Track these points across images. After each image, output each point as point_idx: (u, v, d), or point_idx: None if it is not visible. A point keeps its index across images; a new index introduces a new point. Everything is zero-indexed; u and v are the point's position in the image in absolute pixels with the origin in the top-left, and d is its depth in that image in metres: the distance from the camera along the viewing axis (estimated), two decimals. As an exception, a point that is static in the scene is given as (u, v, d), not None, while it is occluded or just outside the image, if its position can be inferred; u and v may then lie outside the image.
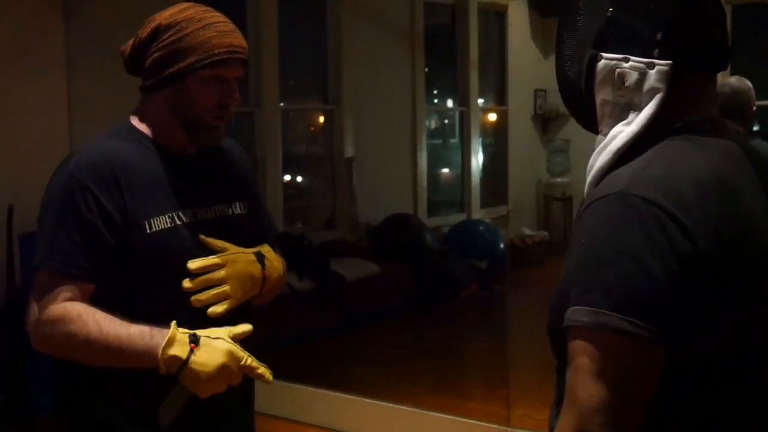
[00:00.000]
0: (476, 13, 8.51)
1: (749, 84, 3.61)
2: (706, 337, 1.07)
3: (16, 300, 4.61)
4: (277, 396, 4.61)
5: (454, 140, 9.04)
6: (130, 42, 1.81)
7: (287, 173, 7.00)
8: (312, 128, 7.67)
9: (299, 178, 7.52)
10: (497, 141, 9.42)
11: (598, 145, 1.21)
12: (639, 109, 1.17)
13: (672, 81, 1.16)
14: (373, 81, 7.33)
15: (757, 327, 1.12)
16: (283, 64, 6.61)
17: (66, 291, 1.67)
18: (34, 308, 1.69)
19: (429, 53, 8.05)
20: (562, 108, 6.98)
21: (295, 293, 5.92)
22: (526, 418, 4.15)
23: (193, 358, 1.59)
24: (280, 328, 5.65)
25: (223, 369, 1.61)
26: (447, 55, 8.67)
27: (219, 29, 1.75)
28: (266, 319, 5.87)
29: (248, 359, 1.66)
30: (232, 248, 1.80)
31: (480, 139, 8.82)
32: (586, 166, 1.23)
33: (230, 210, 1.88)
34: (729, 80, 3.71)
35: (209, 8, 1.81)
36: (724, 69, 1.24)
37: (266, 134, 6.53)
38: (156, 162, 1.77)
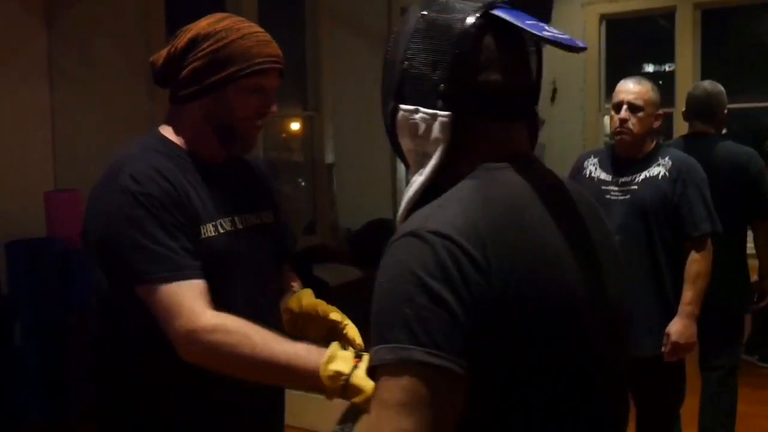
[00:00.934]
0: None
1: (721, 88, 3.75)
2: (506, 373, 1.08)
3: (2, 307, 4.59)
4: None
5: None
6: (163, 52, 1.78)
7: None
8: (284, 135, 7.69)
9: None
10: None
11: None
12: (430, 159, 1.20)
13: (459, 129, 1.18)
14: (353, 87, 7.36)
15: (559, 367, 1.12)
16: (263, 70, 6.61)
17: (197, 292, 1.61)
18: (175, 323, 1.58)
19: (406, 59, 8.09)
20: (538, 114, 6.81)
21: (279, 299, 5.92)
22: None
23: (356, 372, 1.49)
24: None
25: None
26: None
27: (258, 39, 1.76)
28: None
29: None
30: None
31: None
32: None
33: (261, 218, 1.89)
34: (702, 84, 3.86)
35: (244, 18, 1.81)
36: (528, 114, 1.25)
37: (247, 140, 6.53)
38: (193, 172, 1.77)
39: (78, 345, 4.52)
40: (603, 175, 3.24)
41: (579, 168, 3.36)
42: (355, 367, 1.50)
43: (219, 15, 1.79)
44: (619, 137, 3.19)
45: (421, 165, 1.22)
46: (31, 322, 4.56)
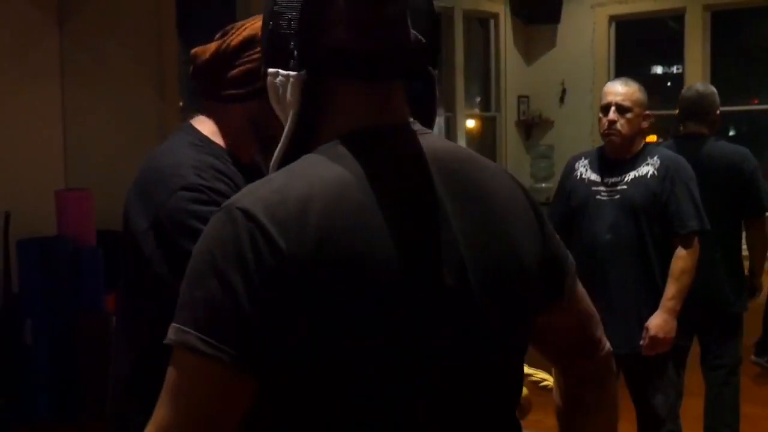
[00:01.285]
0: (462, 21, 8.59)
1: (713, 89, 3.82)
2: (302, 367, 1.00)
3: (13, 305, 4.62)
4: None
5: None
6: (211, 46, 1.72)
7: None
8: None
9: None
10: (480, 147, 9.50)
11: None
12: None
13: (312, 93, 1.09)
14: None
15: (361, 362, 1.02)
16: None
17: None
18: None
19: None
20: (545, 114, 7.21)
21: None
22: (538, 423, 4.19)
23: None
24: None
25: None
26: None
27: None
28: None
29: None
30: None
31: (465, 145, 8.88)
32: None
33: None
34: (695, 85, 3.93)
35: None
36: (391, 78, 1.12)
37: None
38: (237, 175, 1.71)
39: (88, 343, 4.55)
40: (593, 176, 3.27)
41: (570, 169, 3.39)
42: None
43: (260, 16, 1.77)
44: (608, 139, 3.22)
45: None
46: (42, 320, 4.59)
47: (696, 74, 7.97)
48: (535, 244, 1.18)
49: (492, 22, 9.11)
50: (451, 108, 8.68)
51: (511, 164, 9.00)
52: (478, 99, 9.53)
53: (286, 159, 1.12)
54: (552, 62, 9.05)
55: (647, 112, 3.23)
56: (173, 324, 1.01)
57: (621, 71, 8.94)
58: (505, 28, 8.97)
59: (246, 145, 1.75)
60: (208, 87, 1.75)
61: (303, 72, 1.09)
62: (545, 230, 1.21)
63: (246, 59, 1.68)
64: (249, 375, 0.98)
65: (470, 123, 9.28)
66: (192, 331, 0.98)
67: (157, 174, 1.65)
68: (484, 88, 9.38)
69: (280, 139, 1.61)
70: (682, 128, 3.83)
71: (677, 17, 8.39)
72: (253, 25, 1.69)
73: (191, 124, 1.77)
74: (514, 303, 1.14)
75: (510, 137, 9.12)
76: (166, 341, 1.01)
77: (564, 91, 9.00)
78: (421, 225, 1.08)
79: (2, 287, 4.64)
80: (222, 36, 1.73)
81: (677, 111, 3.83)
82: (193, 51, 1.75)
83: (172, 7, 5.52)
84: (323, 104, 1.11)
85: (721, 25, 8.19)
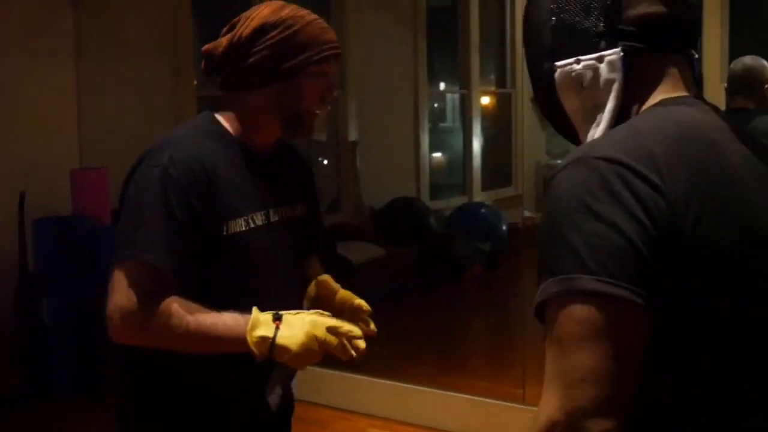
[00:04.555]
0: (477, -4, 8.53)
1: (763, 62, 3.69)
2: (686, 305, 0.99)
3: (30, 284, 4.66)
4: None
5: (455, 124, 9.07)
6: (223, 41, 1.80)
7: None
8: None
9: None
10: (496, 124, 9.46)
11: None
12: (604, 106, 1.14)
13: (627, 68, 1.13)
14: (377, 64, 7.35)
15: (742, 310, 1.02)
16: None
17: (151, 283, 1.66)
18: (118, 300, 1.67)
19: (430, 36, 8.07)
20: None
21: (303, 277, 5.97)
22: (537, 397, 4.21)
23: (279, 333, 1.63)
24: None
25: (310, 338, 1.64)
26: (448, 38, 8.69)
27: (321, 26, 1.82)
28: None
29: (333, 322, 1.69)
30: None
31: (480, 122, 8.85)
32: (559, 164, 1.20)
33: (294, 212, 1.92)
34: (743, 59, 3.80)
35: (298, 6, 1.85)
36: (690, 45, 1.19)
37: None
38: (239, 164, 1.79)
39: (104, 321, 4.57)
40: None
41: None
42: (277, 329, 1.64)
43: (277, 3, 1.83)
44: None
45: (593, 119, 1.15)
46: (60, 299, 4.63)
47: (715, 55, 7.88)
48: None
49: (508, -3, 9.05)
50: (466, 85, 8.65)
51: (526, 141, 8.97)
52: (492, 76, 9.47)
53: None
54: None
55: None
56: (548, 281, 0.98)
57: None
58: (522, 3, 8.89)
59: (265, 129, 1.83)
60: (228, 79, 1.83)
61: (619, 48, 1.12)
62: None
63: (261, 46, 1.76)
64: (646, 313, 0.96)
65: (485, 100, 9.23)
66: (582, 276, 0.95)
67: (146, 152, 1.76)
68: (500, 64, 9.32)
69: (304, 118, 1.78)
70: (731, 103, 3.76)
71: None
72: (260, 14, 1.78)
73: (211, 113, 1.84)
74: None
75: (526, 114, 9.08)
76: (544, 298, 0.98)
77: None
78: (761, 178, 1.11)
79: (19, 266, 4.67)
80: (230, 29, 1.81)
81: (725, 85, 3.76)
82: (204, 48, 1.83)
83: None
84: (636, 78, 1.13)
85: (739, 4, 8.09)
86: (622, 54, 1.12)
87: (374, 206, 7.38)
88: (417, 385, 4.45)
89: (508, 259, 7.79)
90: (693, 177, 1.01)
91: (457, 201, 8.44)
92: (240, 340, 1.63)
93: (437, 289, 6.98)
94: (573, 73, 1.16)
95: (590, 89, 1.15)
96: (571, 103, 1.18)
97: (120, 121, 5.15)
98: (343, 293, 1.97)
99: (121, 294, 1.66)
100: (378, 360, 5.59)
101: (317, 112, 1.82)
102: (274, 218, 1.84)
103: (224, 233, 1.73)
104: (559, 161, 6.88)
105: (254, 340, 1.63)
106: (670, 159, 1.01)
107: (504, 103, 9.39)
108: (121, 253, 1.69)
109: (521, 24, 1.28)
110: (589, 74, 1.14)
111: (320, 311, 1.73)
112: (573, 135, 1.22)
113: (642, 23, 1.13)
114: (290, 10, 1.80)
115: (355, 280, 7.49)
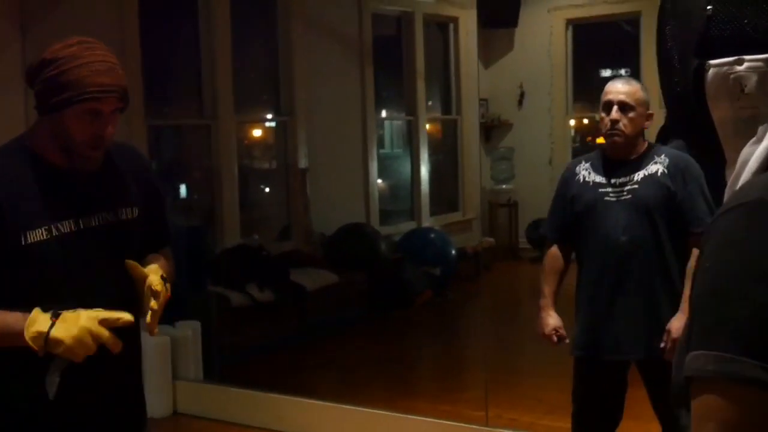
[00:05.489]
0: (422, 25, 8.69)
1: None
2: None
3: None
4: (242, 404, 4.67)
5: (402, 150, 9.19)
6: (27, 66, 1.99)
7: (242, 185, 7.06)
8: (254, 140, 7.74)
9: (253, 190, 7.59)
10: (443, 150, 9.60)
11: (729, 178, 0.97)
12: (758, 117, 0.93)
13: None
14: (325, 92, 7.44)
15: None
16: (236, 76, 6.68)
17: None
18: None
19: (376, 64, 8.19)
20: (504, 116, 7.26)
21: (256, 304, 5.99)
22: (498, 418, 4.30)
23: (53, 328, 1.82)
24: (243, 339, 5.74)
25: (83, 330, 1.82)
26: (393, 66, 8.82)
27: (94, 69, 1.92)
28: (230, 330, 5.91)
29: (105, 314, 1.86)
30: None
31: (427, 149, 8.98)
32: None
33: (118, 216, 2.06)
34: None
35: (94, 44, 1.97)
36: None
37: (222, 147, 6.59)
38: (38, 177, 1.97)
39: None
40: (598, 178, 3.17)
41: (570, 175, 3.28)
42: (53, 324, 1.82)
43: (72, 39, 1.97)
44: (610, 139, 3.13)
45: (749, 132, 0.94)
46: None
47: (652, 77, 8.12)
48: None
49: (451, 26, 9.23)
50: (412, 112, 8.78)
51: (471, 166, 9.12)
52: (430, 103, 9.63)
53: None
54: (510, 65, 9.19)
55: (649, 111, 3.14)
56: (700, 352, 0.84)
57: (578, 74, 9.10)
58: (466, 32, 9.08)
59: (54, 151, 1.99)
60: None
61: None
62: None
63: (40, 80, 1.94)
64: None
65: (428, 126, 9.39)
66: (742, 358, 0.80)
67: None
68: (444, 92, 9.49)
69: (76, 149, 1.97)
70: None
71: (633, 21, 8.56)
72: (51, 49, 1.95)
73: (29, 131, 2.06)
74: None
75: (470, 140, 9.24)
76: (695, 374, 0.84)
77: (522, 93, 9.14)
78: None
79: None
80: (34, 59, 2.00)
81: None
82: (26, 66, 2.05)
83: (134, 14, 5.55)
84: None
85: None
86: None
87: (324, 233, 7.44)
88: (374, 409, 4.48)
89: (456, 283, 7.90)
90: None
91: (406, 226, 8.53)
92: (20, 336, 1.82)
93: (389, 314, 7.05)
94: (732, 75, 0.94)
95: (752, 97, 0.93)
96: (720, 111, 0.96)
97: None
98: (152, 278, 2.04)
99: None
100: (332, 384, 5.65)
101: (93, 148, 1.97)
102: (87, 224, 1.99)
103: (23, 243, 1.91)
104: (504, 186, 6.95)
105: (30, 335, 1.82)
106: None
107: (449, 129, 9.54)
108: None
109: (657, 16, 1.04)
110: (753, 78, 0.93)
111: (101, 309, 1.88)
112: (710, 150, 1.01)
113: None
114: (75, 49, 1.94)
115: (308, 306, 7.53)
